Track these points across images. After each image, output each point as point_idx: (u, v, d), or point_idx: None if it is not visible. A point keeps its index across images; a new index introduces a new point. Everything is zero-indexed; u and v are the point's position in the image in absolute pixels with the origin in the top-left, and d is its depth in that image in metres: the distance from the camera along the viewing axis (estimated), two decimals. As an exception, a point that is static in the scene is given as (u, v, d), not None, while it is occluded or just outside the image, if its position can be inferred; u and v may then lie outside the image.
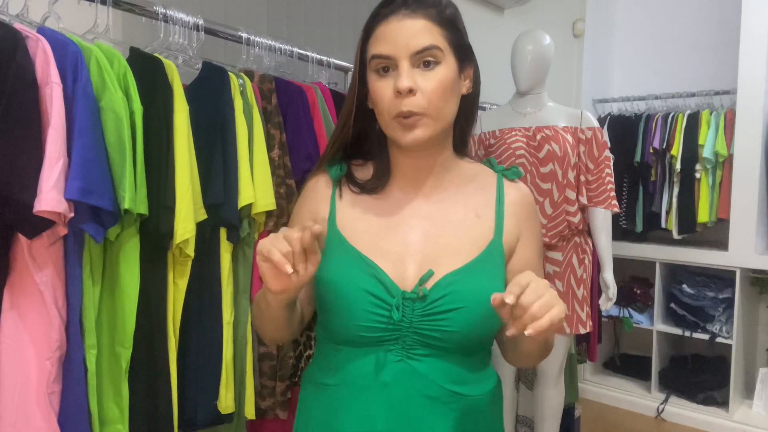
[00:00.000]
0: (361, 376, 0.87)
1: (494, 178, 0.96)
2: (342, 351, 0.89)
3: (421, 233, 0.89)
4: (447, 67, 0.84)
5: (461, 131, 0.95)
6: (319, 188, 0.96)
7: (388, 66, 0.83)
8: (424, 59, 0.83)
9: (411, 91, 0.81)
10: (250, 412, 1.51)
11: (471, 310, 0.84)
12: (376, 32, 0.85)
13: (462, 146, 0.96)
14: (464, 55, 0.89)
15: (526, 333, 0.68)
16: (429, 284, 0.85)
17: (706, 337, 3.11)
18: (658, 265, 3.28)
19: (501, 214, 0.92)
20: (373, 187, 0.93)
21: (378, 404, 0.86)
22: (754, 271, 3.04)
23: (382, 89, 0.84)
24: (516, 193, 0.96)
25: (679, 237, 3.22)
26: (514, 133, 2.15)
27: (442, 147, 0.91)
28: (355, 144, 0.95)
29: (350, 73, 2.06)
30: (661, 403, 3.20)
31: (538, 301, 0.69)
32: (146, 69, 1.29)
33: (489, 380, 0.94)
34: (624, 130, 3.43)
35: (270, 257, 0.73)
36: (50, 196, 1.05)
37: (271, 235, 0.76)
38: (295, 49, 1.80)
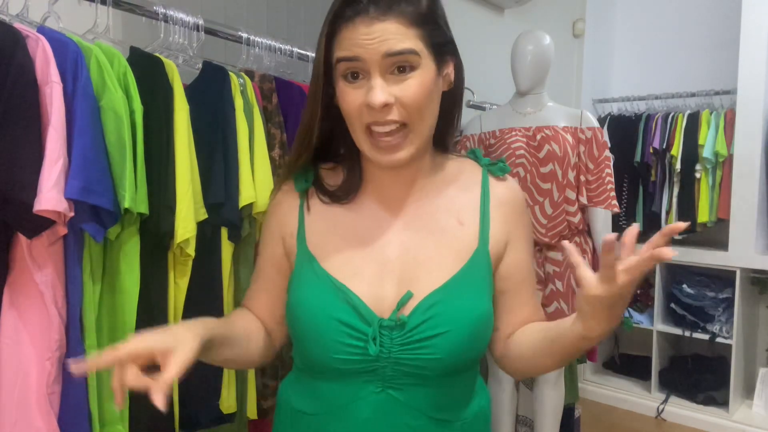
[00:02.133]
0: (339, 408, 0.80)
1: (479, 174, 0.87)
2: (318, 380, 0.82)
3: (399, 247, 0.81)
4: (425, 71, 0.74)
5: (443, 128, 0.84)
6: (286, 201, 0.87)
7: (357, 71, 0.73)
8: (398, 65, 0.73)
9: (386, 105, 0.72)
10: (252, 412, 1.51)
11: (455, 334, 0.76)
12: (340, 34, 0.74)
13: (443, 143, 0.87)
14: (444, 51, 0.78)
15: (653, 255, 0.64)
16: (408, 308, 0.77)
17: (706, 337, 3.11)
18: (658, 265, 3.27)
19: (486, 217, 0.84)
20: (344, 195, 0.83)
21: None
22: (754, 271, 3.04)
23: (351, 97, 0.74)
24: (503, 191, 0.87)
25: (679, 237, 3.22)
26: (514, 133, 2.15)
27: (423, 152, 0.81)
28: (323, 146, 0.84)
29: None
30: (661, 403, 3.20)
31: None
32: (146, 69, 1.29)
33: (478, 397, 0.87)
34: (624, 130, 3.43)
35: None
36: (50, 196, 1.05)
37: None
38: (295, 49, 1.80)
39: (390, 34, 0.71)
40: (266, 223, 0.91)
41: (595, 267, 0.68)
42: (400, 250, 0.81)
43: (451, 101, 0.84)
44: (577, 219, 2.12)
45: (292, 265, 0.85)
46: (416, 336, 0.76)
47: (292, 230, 0.85)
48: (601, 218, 2.19)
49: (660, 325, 3.29)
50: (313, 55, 1.91)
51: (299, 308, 0.80)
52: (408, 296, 0.77)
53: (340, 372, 0.78)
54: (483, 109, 2.69)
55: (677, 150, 3.18)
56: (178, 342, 0.65)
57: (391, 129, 0.74)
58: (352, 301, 0.77)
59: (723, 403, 3.08)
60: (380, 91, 0.72)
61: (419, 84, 0.73)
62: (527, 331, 0.85)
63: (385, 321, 0.76)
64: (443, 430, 0.81)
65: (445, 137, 0.86)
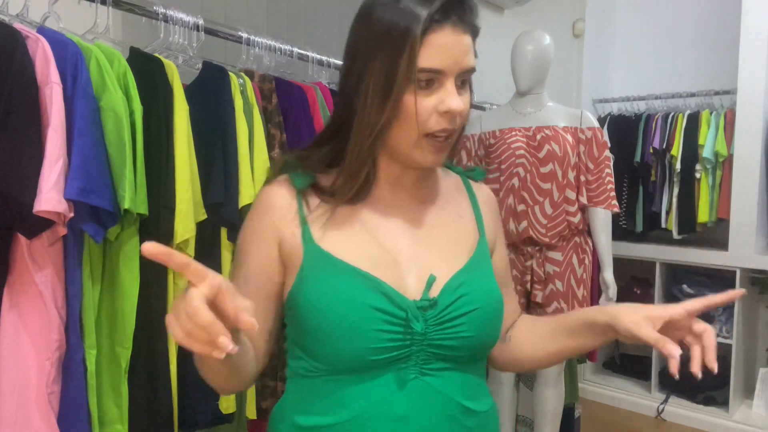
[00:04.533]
0: (374, 403, 0.76)
1: (459, 179, 0.93)
2: (341, 381, 0.77)
3: (410, 238, 0.82)
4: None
5: None
6: (281, 201, 0.82)
7: (432, 80, 0.74)
8: (462, 79, 0.76)
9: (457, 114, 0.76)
10: (251, 412, 1.51)
11: (484, 311, 0.79)
12: (427, 40, 0.72)
13: None
14: None
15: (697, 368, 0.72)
16: (435, 290, 0.78)
17: (706, 337, 3.11)
18: (658, 265, 3.27)
19: (479, 213, 0.90)
20: (353, 195, 0.81)
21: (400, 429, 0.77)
22: (754, 271, 3.04)
23: (423, 104, 0.74)
24: (485, 193, 0.94)
25: (679, 237, 3.22)
26: (514, 133, 2.15)
27: None
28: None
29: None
30: (661, 403, 3.20)
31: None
32: (146, 69, 1.29)
33: (488, 397, 0.88)
34: (624, 130, 3.43)
35: (203, 331, 0.55)
36: (50, 196, 1.05)
37: (190, 305, 0.56)
38: (295, 49, 1.80)
39: (468, 48, 0.75)
40: (256, 224, 0.83)
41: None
42: (412, 241, 0.82)
43: None
44: (577, 219, 2.12)
45: (291, 270, 0.80)
46: (450, 314, 0.77)
47: (293, 230, 0.81)
48: (601, 218, 2.19)
49: (660, 325, 3.28)
50: (313, 55, 1.93)
51: (324, 304, 0.75)
52: (432, 279, 0.78)
53: (376, 363, 0.75)
54: (483, 109, 2.69)
55: (677, 150, 3.18)
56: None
57: (448, 135, 0.77)
58: (381, 287, 0.76)
59: (723, 403, 3.08)
60: (459, 98, 0.74)
61: (470, 101, 0.79)
62: (528, 321, 0.94)
63: (418, 302, 0.76)
64: (471, 421, 0.82)
65: None
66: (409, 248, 0.81)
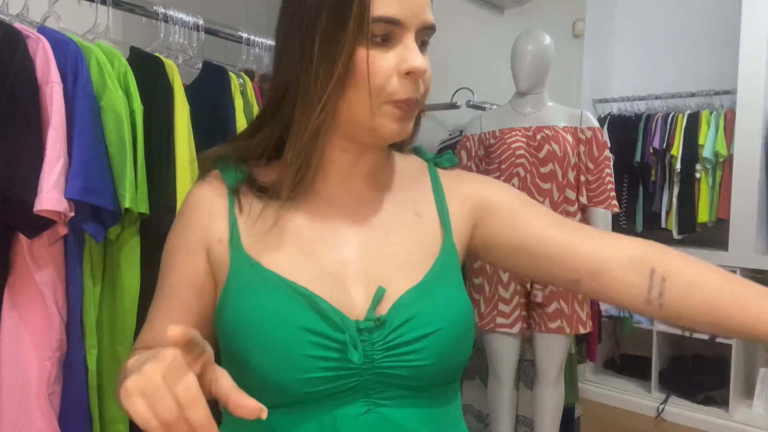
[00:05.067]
0: None
1: (425, 167, 0.78)
2: (276, 417, 0.62)
3: (358, 245, 0.68)
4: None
5: None
6: (207, 200, 0.70)
7: (389, 35, 0.62)
8: (423, 39, 0.65)
9: (419, 76, 0.64)
10: (250, 412, 1.51)
11: (444, 333, 0.65)
12: None
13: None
14: None
15: None
16: (384, 307, 0.64)
17: (706, 337, 3.11)
18: (658, 265, 3.27)
19: (444, 209, 0.74)
20: (291, 191, 0.67)
21: None
22: (754, 271, 3.04)
23: (381, 63, 0.62)
24: (452, 178, 0.78)
25: (679, 237, 3.22)
26: (514, 133, 2.15)
27: None
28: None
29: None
30: (661, 403, 3.20)
31: None
32: (146, 69, 1.29)
33: (462, 429, 0.74)
34: (624, 130, 3.43)
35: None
36: (50, 196, 1.05)
37: (140, 376, 0.44)
38: (296, 49, 1.80)
39: (427, 3, 0.64)
40: (180, 230, 0.72)
41: None
42: (361, 249, 0.68)
43: None
44: (577, 219, 2.12)
45: (219, 282, 0.69)
46: (401, 338, 0.63)
47: (221, 235, 0.69)
48: (601, 218, 2.19)
49: (660, 325, 3.29)
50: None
51: (247, 319, 0.63)
52: (381, 292, 0.65)
53: (310, 398, 0.62)
54: (483, 109, 2.69)
55: (677, 150, 3.19)
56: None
57: (413, 105, 0.65)
58: (317, 304, 0.62)
59: (723, 403, 3.08)
60: (421, 56, 0.62)
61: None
62: (684, 289, 0.67)
63: (361, 323, 0.63)
64: None
65: None
66: (357, 259, 0.67)
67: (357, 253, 0.68)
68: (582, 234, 0.72)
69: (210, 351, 0.50)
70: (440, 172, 0.78)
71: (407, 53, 0.62)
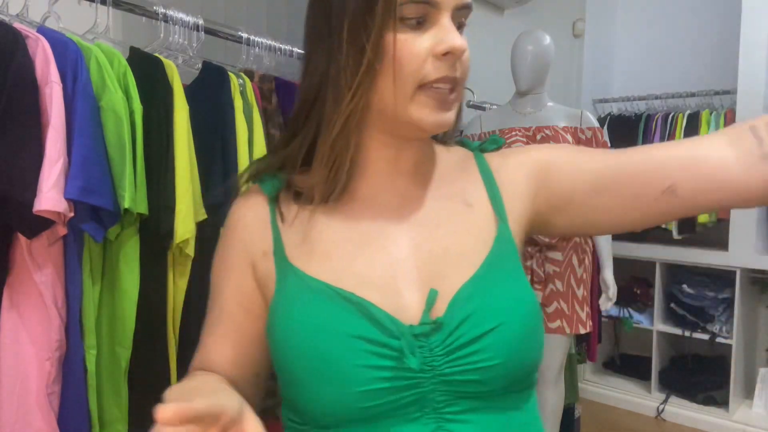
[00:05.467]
0: None
1: (472, 157, 0.74)
2: None
3: (407, 244, 0.64)
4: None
5: None
6: (250, 214, 0.68)
7: (423, 17, 0.58)
8: (459, 20, 0.61)
9: (457, 57, 0.60)
10: (250, 412, 1.51)
11: (508, 327, 0.59)
12: None
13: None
14: None
15: None
16: (439, 309, 0.60)
17: (706, 337, 3.11)
18: (658, 265, 3.27)
19: (495, 193, 0.69)
20: (331, 193, 0.64)
21: None
22: (754, 271, 3.04)
23: (415, 46, 0.58)
24: (499, 157, 0.73)
25: (679, 237, 3.22)
26: (514, 133, 2.15)
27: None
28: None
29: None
30: (661, 403, 3.20)
31: None
32: (146, 69, 1.29)
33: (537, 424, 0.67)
34: (624, 130, 3.43)
35: None
36: (50, 196, 1.05)
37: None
38: (295, 49, 1.80)
39: None
40: (224, 249, 0.70)
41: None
42: (410, 249, 0.64)
43: None
44: (577, 219, 2.11)
45: (267, 297, 0.66)
46: (461, 338, 0.58)
47: (265, 248, 0.66)
48: (601, 218, 2.19)
49: (660, 325, 3.29)
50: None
51: (296, 333, 0.60)
52: (433, 294, 0.60)
53: (369, 413, 0.56)
54: (483, 109, 2.69)
55: (677, 150, 3.19)
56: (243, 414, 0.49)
57: (450, 86, 0.61)
58: (369, 310, 0.58)
59: (723, 403, 3.08)
60: (458, 35, 0.59)
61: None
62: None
63: (416, 327, 0.58)
64: None
65: None
66: (406, 258, 0.64)
67: (406, 253, 0.64)
68: (651, 147, 0.66)
69: (232, 405, 0.48)
70: (487, 156, 0.74)
71: (443, 33, 0.58)
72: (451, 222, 0.67)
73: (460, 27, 0.61)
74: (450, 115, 0.62)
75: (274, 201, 0.67)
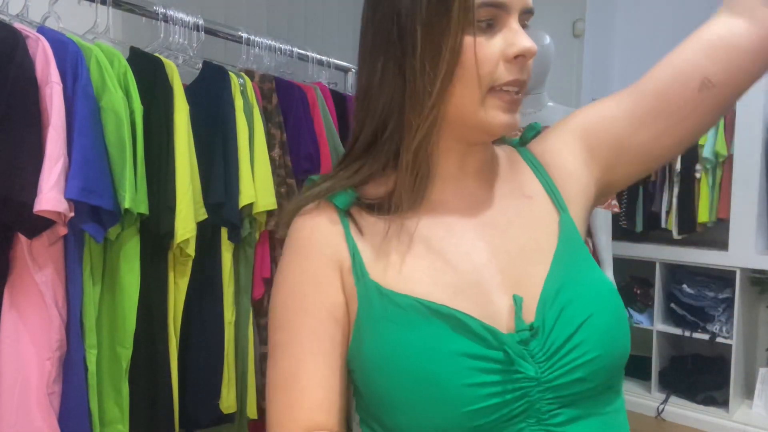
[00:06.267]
0: None
1: (515, 152, 0.73)
2: None
3: (486, 249, 0.63)
4: None
5: None
6: (323, 228, 0.63)
7: (494, 20, 0.58)
8: (524, 23, 0.61)
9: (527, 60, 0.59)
10: (252, 412, 1.51)
11: (599, 316, 0.58)
12: None
13: None
14: None
15: None
16: (528, 312, 0.58)
17: (706, 337, 3.11)
18: (658, 265, 3.27)
19: (546, 179, 0.69)
20: (410, 196, 0.62)
21: None
22: (754, 271, 3.04)
23: (488, 49, 0.58)
24: (539, 141, 0.73)
25: (679, 237, 3.22)
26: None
27: None
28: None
29: (350, 73, 2.07)
30: (661, 403, 3.20)
31: None
32: (146, 69, 1.29)
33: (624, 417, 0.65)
34: (624, 130, 3.43)
35: None
36: (50, 196, 1.05)
37: None
38: (295, 49, 1.80)
39: None
40: (301, 264, 0.63)
41: None
42: (489, 252, 0.63)
43: None
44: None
45: (350, 318, 0.62)
46: (558, 340, 0.56)
47: (344, 262, 0.62)
48: (601, 218, 2.19)
49: (660, 325, 3.29)
50: (313, 55, 1.93)
51: (393, 357, 0.56)
52: (519, 300, 0.59)
53: (481, 429, 0.54)
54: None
55: (677, 150, 3.18)
56: None
57: (518, 88, 0.61)
58: (468, 324, 0.55)
59: (723, 403, 3.08)
60: (528, 38, 0.59)
61: None
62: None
63: (516, 335, 0.56)
64: None
65: None
66: (487, 263, 0.61)
67: (487, 257, 0.62)
68: (664, 60, 0.67)
69: None
70: (531, 146, 0.73)
71: (514, 36, 0.58)
72: (520, 218, 0.66)
73: (524, 29, 0.61)
74: (517, 117, 0.62)
75: (346, 215, 0.64)
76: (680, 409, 3.16)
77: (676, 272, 3.34)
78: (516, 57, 0.58)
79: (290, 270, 0.63)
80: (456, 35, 0.57)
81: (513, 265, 0.62)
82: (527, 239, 0.64)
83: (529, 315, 0.58)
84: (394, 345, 0.56)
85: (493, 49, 0.58)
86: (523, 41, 0.58)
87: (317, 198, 0.64)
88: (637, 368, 3.49)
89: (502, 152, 0.72)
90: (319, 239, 0.63)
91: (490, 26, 0.58)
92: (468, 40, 0.57)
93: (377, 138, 0.64)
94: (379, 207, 0.63)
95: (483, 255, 0.62)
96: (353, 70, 2.05)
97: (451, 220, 0.64)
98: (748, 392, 3.18)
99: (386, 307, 0.58)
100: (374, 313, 0.59)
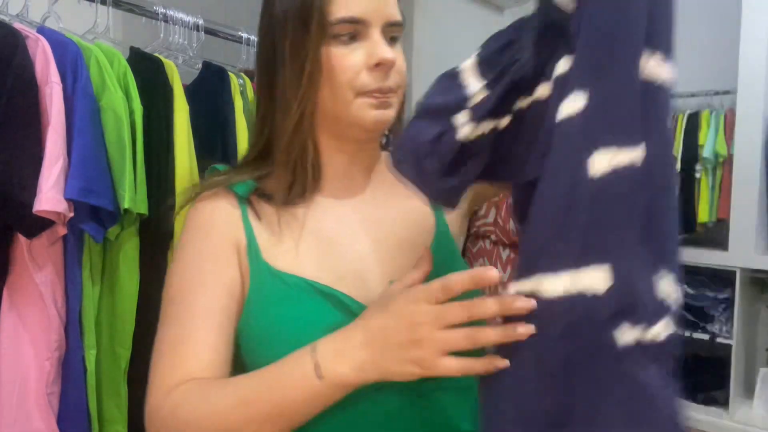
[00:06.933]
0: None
1: None
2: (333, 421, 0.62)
3: (369, 240, 0.72)
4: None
5: None
6: (223, 211, 0.69)
7: (355, 34, 0.66)
8: (391, 35, 0.68)
9: (389, 68, 0.67)
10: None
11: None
12: None
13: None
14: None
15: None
16: None
17: (706, 337, 3.11)
18: (658, 265, 3.27)
19: None
20: (296, 194, 0.70)
21: None
22: (754, 271, 3.04)
23: (348, 59, 0.66)
24: None
25: (679, 237, 3.22)
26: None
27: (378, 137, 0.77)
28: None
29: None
30: (661, 404, 3.20)
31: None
32: (146, 69, 1.29)
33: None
34: (624, 130, 3.43)
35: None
36: (50, 196, 1.05)
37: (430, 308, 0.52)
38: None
39: (391, 1, 0.68)
40: (201, 242, 0.68)
41: None
42: (371, 244, 0.71)
43: None
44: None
45: (244, 295, 0.67)
46: None
47: (240, 242, 0.68)
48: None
49: (660, 325, 3.29)
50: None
51: (276, 329, 0.63)
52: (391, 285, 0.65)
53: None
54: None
55: (677, 150, 3.18)
56: None
57: (387, 94, 0.68)
58: (344, 303, 0.64)
59: (723, 403, 3.08)
60: (389, 48, 0.66)
61: (404, 63, 0.70)
62: None
63: None
64: None
65: None
66: (370, 253, 0.70)
67: (369, 248, 0.71)
68: None
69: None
70: None
71: (373, 47, 0.66)
72: (400, 216, 0.75)
73: (393, 41, 0.69)
74: (388, 113, 0.68)
75: (245, 201, 0.71)
76: (680, 410, 3.15)
77: (676, 272, 3.34)
78: (377, 65, 0.66)
79: (190, 247, 0.69)
80: (316, 48, 0.66)
81: (391, 256, 0.71)
82: (406, 235, 0.73)
83: None
84: (281, 319, 0.64)
85: (354, 59, 0.66)
86: (382, 51, 0.65)
87: (218, 186, 0.71)
88: (637, 368, 3.49)
89: (390, 157, 0.78)
90: (218, 220, 0.69)
91: (354, 38, 0.66)
92: (329, 51, 0.66)
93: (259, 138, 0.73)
94: (274, 197, 0.70)
95: (366, 246, 0.71)
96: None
97: (339, 213, 0.72)
98: (749, 392, 3.18)
99: (276, 285, 0.65)
100: (265, 291, 0.66)
